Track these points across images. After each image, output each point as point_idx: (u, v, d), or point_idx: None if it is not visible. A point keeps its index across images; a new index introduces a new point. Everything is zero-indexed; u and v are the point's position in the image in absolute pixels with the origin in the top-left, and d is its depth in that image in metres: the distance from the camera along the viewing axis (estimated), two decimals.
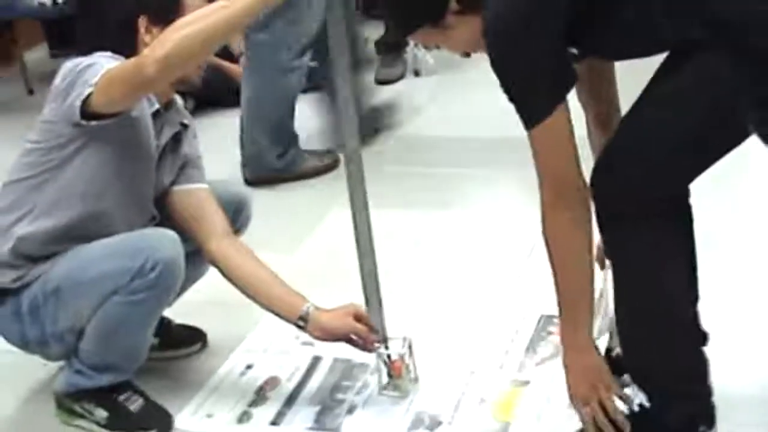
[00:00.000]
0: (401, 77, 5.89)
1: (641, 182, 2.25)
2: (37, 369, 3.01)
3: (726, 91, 2.10)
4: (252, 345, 3.13)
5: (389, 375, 2.80)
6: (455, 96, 5.48)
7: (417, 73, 5.92)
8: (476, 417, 2.69)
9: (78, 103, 2.53)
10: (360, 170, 2.59)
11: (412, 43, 5.87)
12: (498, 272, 3.48)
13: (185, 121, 2.87)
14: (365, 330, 2.73)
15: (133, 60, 2.49)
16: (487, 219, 3.95)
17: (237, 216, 2.93)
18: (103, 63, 2.56)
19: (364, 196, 2.63)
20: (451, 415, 2.71)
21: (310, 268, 3.50)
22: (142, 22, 2.69)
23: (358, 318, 2.74)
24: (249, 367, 3.02)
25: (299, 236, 3.91)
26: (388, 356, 2.77)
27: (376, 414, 2.75)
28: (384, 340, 2.76)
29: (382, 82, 5.80)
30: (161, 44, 2.39)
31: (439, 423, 2.68)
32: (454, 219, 3.94)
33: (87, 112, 2.55)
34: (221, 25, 2.38)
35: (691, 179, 2.29)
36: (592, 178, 2.31)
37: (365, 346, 2.75)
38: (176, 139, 2.83)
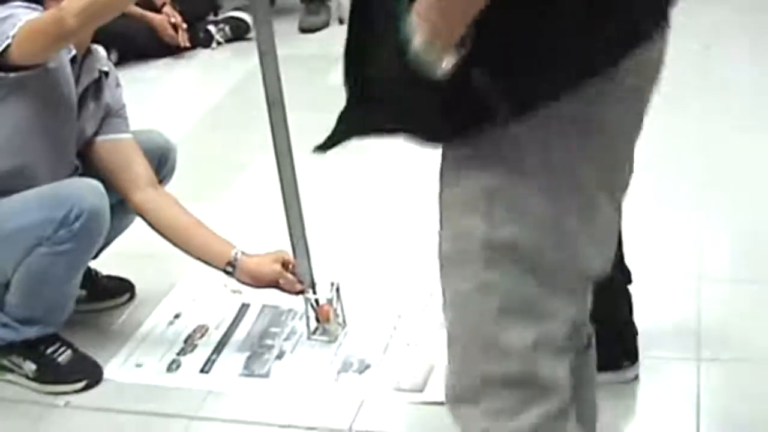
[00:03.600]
0: (326, 25, 5.87)
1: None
2: None
3: None
4: (180, 294, 3.14)
5: (317, 320, 2.83)
6: None
7: (342, 21, 5.90)
8: (404, 360, 2.73)
9: None
10: (283, 116, 2.59)
11: None
12: (423, 215, 3.49)
13: (105, 69, 2.84)
14: (292, 276, 2.75)
15: (52, 11, 2.48)
16: (410, 162, 3.96)
17: (162, 165, 2.92)
18: (21, 14, 2.54)
19: (287, 142, 2.63)
20: (380, 358, 2.75)
21: (236, 215, 3.50)
22: None
23: (285, 264, 2.76)
24: (177, 316, 3.03)
25: (224, 184, 3.91)
26: (316, 301, 2.80)
27: (305, 359, 2.78)
28: (312, 285, 2.78)
29: (306, 30, 5.78)
30: None
31: (368, 366, 2.72)
32: (378, 163, 3.96)
33: (5, 64, 2.52)
34: None
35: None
36: None
37: (293, 292, 2.77)
38: (97, 88, 2.81)
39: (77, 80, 2.73)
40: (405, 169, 3.91)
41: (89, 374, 2.76)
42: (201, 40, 5.64)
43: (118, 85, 2.93)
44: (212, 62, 5.53)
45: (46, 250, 2.55)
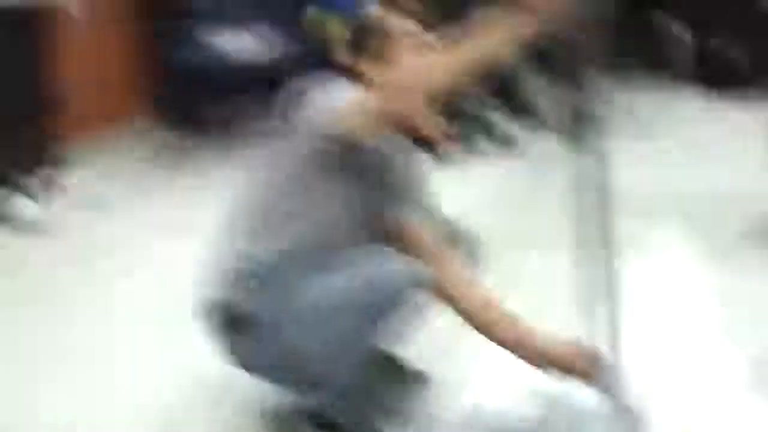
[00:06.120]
0: None
1: None
2: (246, 389, 3.08)
3: None
4: (480, 383, 3.12)
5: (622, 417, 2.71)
6: None
7: None
8: None
9: (321, 133, 2.59)
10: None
11: None
12: None
13: (408, 151, 2.89)
14: (601, 373, 2.70)
15: (377, 92, 2.55)
16: None
17: (466, 251, 2.94)
18: (345, 93, 2.63)
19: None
20: None
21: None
22: (357, 61, 2.80)
23: (594, 358, 2.71)
24: (477, 405, 3.00)
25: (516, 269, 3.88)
26: (623, 399, 2.70)
27: None
28: (618, 381, 2.70)
29: None
30: (408, 79, 2.53)
31: None
32: None
33: (329, 141, 2.60)
34: (464, 63, 2.42)
35: None
36: None
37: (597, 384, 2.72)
38: (399, 167, 2.85)
39: (386, 161, 2.79)
40: None
41: None
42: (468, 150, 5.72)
43: (416, 166, 2.96)
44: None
45: (364, 323, 2.58)
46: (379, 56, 2.78)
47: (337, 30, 5.08)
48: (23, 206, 4.91)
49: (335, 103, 2.61)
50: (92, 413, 3.11)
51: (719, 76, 6.60)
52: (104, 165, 5.72)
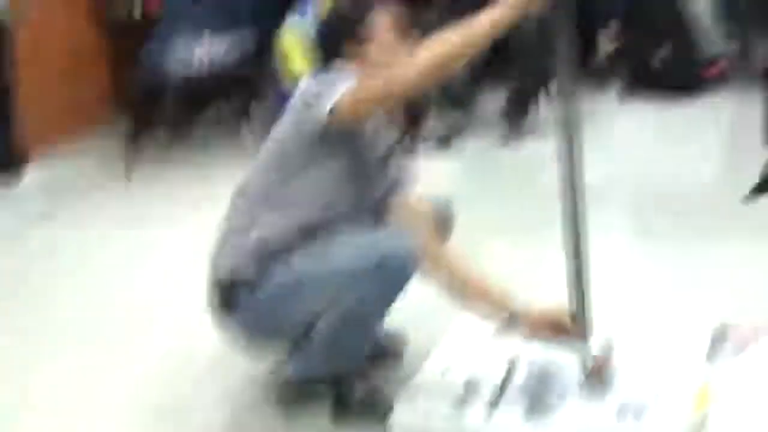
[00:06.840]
0: None
1: None
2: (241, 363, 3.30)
3: None
4: (449, 347, 3.28)
5: (590, 373, 2.96)
6: None
7: None
8: (677, 407, 2.84)
9: (321, 116, 2.78)
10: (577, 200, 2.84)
11: None
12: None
13: (396, 135, 3.10)
14: (571, 332, 2.94)
15: (383, 76, 2.75)
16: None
17: (442, 224, 3.14)
18: (343, 79, 2.81)
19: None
20: (654, 404, 2.86)
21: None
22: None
23: (564, 320, 2.94)
24: (447, 369, 3.16)
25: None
26: (591, 355, 2.95)
27: (583, 403, 2.90)
28: (586, 339, 2.95)
29: None
30: (411, 62, 2.67)
31: (644, 411, 2.83)
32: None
33: (327, 125, 2.79)
34: (468, 41, 2.62)
35: None
36: None
37: (569, 341, 2.95)
38: (389, 151, 3.06)
39: (376, 144, 3.00)
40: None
41: (381, 409, 2.97)
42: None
43: (401, 151, 3.16)
44: None
45: (357, 295, 2.78)
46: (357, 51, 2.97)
47: (290, 44, 5.24)
48: None
49: (330, 89, 2.79)
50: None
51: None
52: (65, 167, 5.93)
